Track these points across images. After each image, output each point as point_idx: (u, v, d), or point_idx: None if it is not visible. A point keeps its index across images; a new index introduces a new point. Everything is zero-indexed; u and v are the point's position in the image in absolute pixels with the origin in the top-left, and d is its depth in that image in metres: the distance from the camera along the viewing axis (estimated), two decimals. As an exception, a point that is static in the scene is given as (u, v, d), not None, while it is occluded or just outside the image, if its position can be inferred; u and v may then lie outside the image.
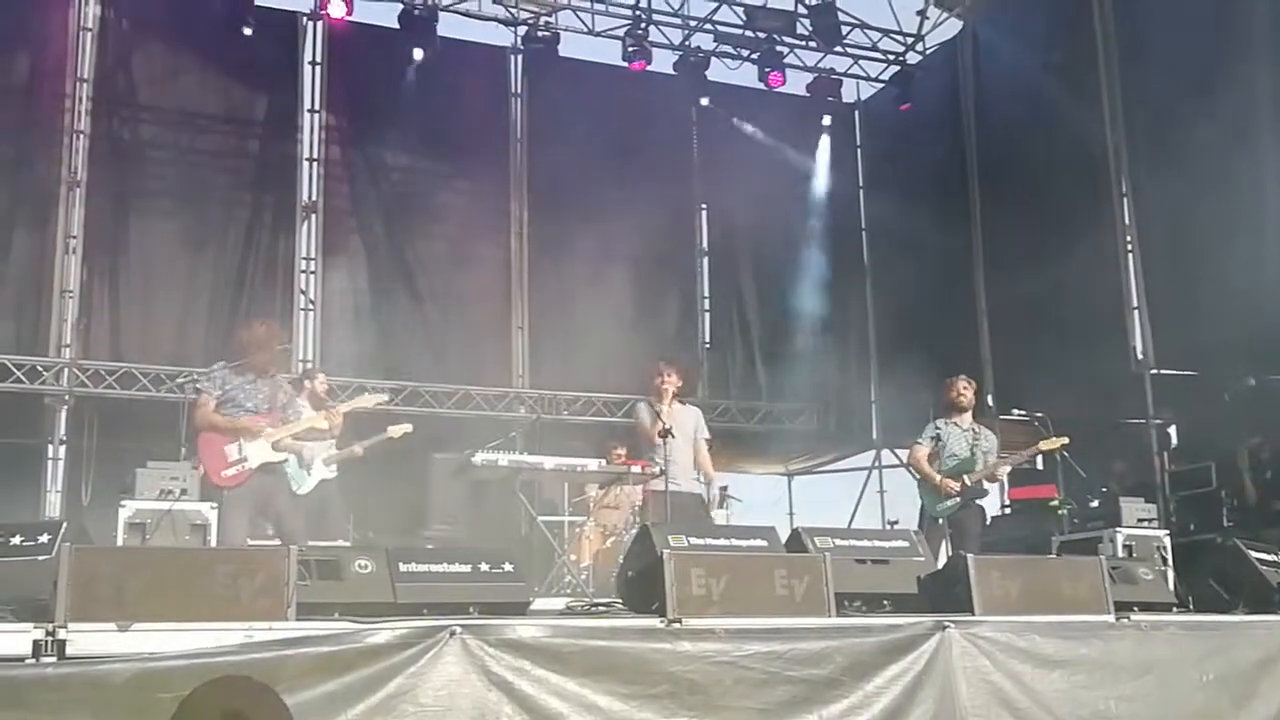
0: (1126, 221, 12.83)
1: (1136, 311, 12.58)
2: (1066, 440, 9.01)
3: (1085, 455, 10.49)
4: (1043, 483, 11.17)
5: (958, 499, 8.80)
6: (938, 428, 9.18)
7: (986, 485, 9.04)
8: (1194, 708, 6.00)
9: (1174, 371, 11.89)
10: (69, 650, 4.27)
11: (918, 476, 9.17)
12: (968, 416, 9.18)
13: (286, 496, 7.25)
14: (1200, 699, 6.04)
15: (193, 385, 7.46)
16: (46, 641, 4.26)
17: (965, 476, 8.85)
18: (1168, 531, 8.98)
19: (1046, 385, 12.01)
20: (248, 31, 13.07)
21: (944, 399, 9.30)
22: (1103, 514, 9.58)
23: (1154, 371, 11.96)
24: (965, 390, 9.23)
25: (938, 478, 8.91)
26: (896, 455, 15.72)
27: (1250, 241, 10.96)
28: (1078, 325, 12.59)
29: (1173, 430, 12.25)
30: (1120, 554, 8.32)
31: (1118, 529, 8.64)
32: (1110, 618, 6.27)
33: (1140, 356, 12.39)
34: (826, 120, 16.36)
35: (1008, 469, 9.34)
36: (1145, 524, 8.84)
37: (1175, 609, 7.02)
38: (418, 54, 13.82)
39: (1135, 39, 12.76)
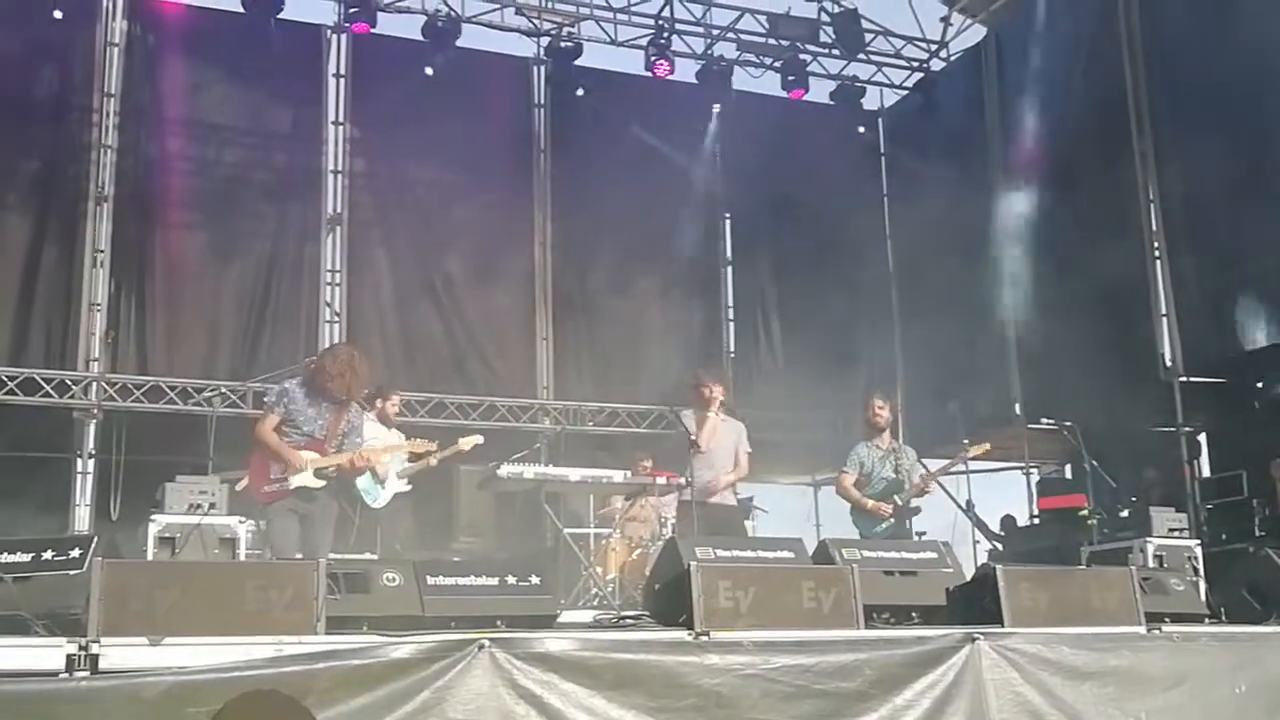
0: (1155, 228, 12.76)
1: (1165, 319, 12.49)
2: (988, 446, 9.03)
3: (1115, 464, 10.45)
4: (1072, 493, 11.12)
5: (891, 520, 8.87)
6: (858, 453, 9.24)
7: (916, 502, 9.07)
8: (1226, 719, 5.94)
9: (1203, 379, 11.80)
10: (102, 664, 4.28)
11: (849, 504, 9.21)
12: (886, 436, 9.30)
13: (322, 529, 7.32)
14: (1233, 710, 5.98)
15: (262, 397, 7.58)
16: (80, 656, 4.27)
17: (896, 497, 8.95)
18: (1199, 541, 8.91)
19: (1074, 394, 11.95)
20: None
21: (863, 419, 9.33)
22: (1133, 524, 9.54)
23: (1183, 379, 11.87)
24: (880, 410, 9.34)
25: (869, 503, 9.00)
26: (924, 465, 15.58)
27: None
28: (1106, 333, 12.50)
29: (1203, 439, 12.16)
30: (1151, 564, 8.25)
31: (1148, 539, 8.58)
32: (1141, 629, 6.21)
33: (1169, 364, 12.30)
34: (853, 128, 16.32)
35: (934, 481, 9.36)
36: (1176, 534, 8.78)
37: (1207, 620, 6.94)
38: (440, 66, 13.86)
39: (1162, 43, 12.69)
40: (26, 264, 12.60)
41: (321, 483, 7.22)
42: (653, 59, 14.49)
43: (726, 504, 9.00)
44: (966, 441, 9.40)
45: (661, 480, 9.54)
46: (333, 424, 7.24)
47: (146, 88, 13.48)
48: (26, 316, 12.52)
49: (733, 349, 15.88)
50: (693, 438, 8.86)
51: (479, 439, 9.76)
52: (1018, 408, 14.05)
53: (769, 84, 15.61)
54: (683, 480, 9.16)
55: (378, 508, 9.29)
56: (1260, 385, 11.15)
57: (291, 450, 7.09)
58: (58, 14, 12.87)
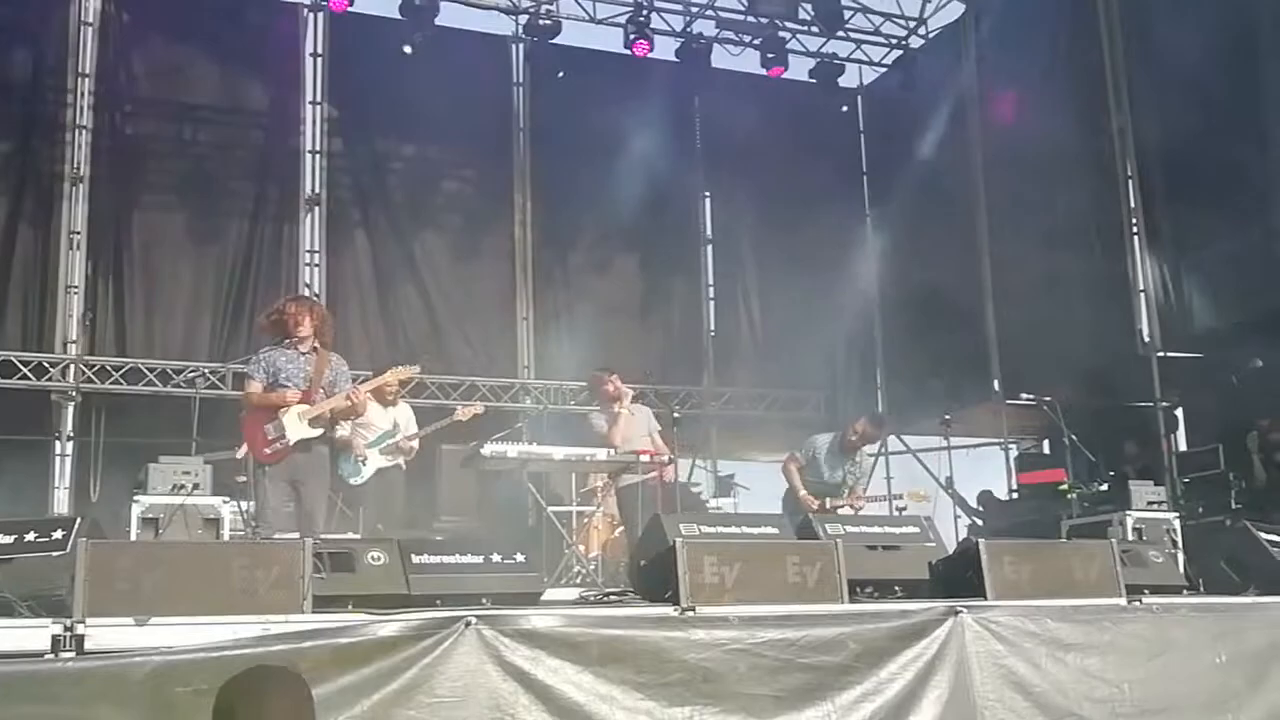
0: (1132, 204, 12.81)
1: (1143, 295, 12.56)
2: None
3: (1093, 439, 10.52)
4: (1051, 467, 11.19)
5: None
6: (816, 444, 9.69)
7: (843, 511, 9.37)
8: (1207, 689, 6.02)
9: (1181, 354, 11.88)
10: (88, 645, 4.29)
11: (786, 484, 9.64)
12: (856, 452, 9.73)
13: (319, 480, 7.39)
14: (1213, 680, 6.06)
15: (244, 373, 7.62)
16: (65, 636, 4.28)
17: (828, 499, 9.40)
18: (1177, 514, 8.98)
19: (1053, 369, 12.03)
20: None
21: (853, 433, 9.72)
22: (1112, 497, 9.60)
23: (1160, 354, 11.96)
24: (857, 437, 9.73)
25: (801, 491, 9.44)
26: (903, 441, 15.71)
27: (1257, 224, 10.95)
28: (1084, 309, 12.57)
29: (1180, 413, 12.26)
30: (1130, 537, 8.31)
31: (1127, 512, 8.64)
32: (1122, 601, 6.28)
33: (1147, 339, 12.37)
34: (832, 106, 16.31)
35: (862, 505, 9.81)
36: (1155, 507, 8.84)
37: (1186, 592, 7.03)
38: (419, 44, 13.76)
39: (1141, 18, 12.72)
40: (2, 246, 12.51)
41: (318, 430, 7.30)
42: (632, 38, 14.43)
43: (667, 481, 9.40)
44: None
45: (644, 457, 9.55)
46: (315, 373, 7.28)
47: (121, 67, 13.35)
48: (3, 299, 12.42)
49: (713, 327, 15.89)
50: (605, 435, 9.19)
51: (479, 408, 9.75)
52: (996, 384, 14.12)
53: (748, 61, 15.56)
54: (665, 458, 9.20)
55: (360, 484, 9.27)
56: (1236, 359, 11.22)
57: (277, 393, 7.18)
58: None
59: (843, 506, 9.41)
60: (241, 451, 7.81)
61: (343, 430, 8.41)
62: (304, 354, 7.34)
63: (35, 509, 11.62)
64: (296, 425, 7.17)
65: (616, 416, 9.18)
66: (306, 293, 13.69)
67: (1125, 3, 12.99)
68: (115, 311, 12.88)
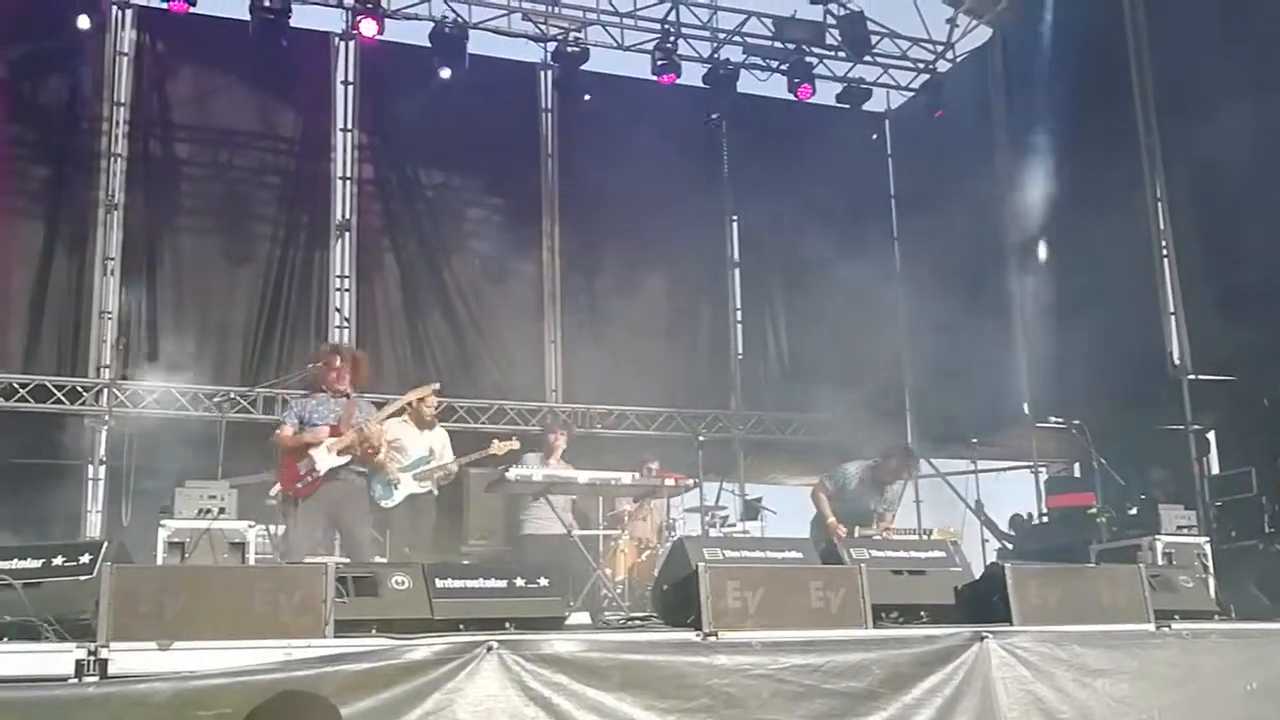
0: (1162, 226, 12.73)
1: (1173, 317, 12.46)
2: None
3: (1123, 463, 10.43)
4: (1081, 491, 11.09)
5: None
6: (847, 472, 9.62)
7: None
8: (1237, 717, 5.94)
9: (1212, 376, 11.77)
10: (111, 669, 4.31)
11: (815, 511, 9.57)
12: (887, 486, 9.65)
13: (355, 507, 7.50)
14: (1244, 708, 5.98)
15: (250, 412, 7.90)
16: (89, 661, 4.31)
17: (858, 527, 9.31)
18: (1208, 538, 8.89)
19: (1083, 392, 11.94)
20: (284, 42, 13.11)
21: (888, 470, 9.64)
22: (1142, 521, 9.50)
23: (1191, 377, 11.84)
24: (895, 474, 9.68)
25: (830, 519, 9.36)
26: (932, 464, 15.59)
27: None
28: (1114, 331, 12.46)
29: (1211, 436, 12.13)
30: (1160, 562, 8.23)
31: (1157, 536, 8.55)
32: (1151, 626, 6.21)
33: (1177, 362, 12.27)
34: (860, 130, 16.32)
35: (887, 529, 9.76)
36: (1185, 531, 8.75)
37: (1217, 617, 6.94)
38: (448, 71, 13.87)
39: (1168, 41, 12.66)
40: (38, 272, 12.66)
41: (346, 458, 7.46)
42: (659, 64, 14.48)
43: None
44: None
45: (670, 482, 9.56)
46: (345, 416, 7.42)
47: (155, 96, 13.54)
48: (38, 324, 12.57)
49: (741, 351, 15.87)
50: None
51: (515, 444, 9.76)
52: (1026, 407, 14.03)
53: (775, 87, 15.61)
54: (690, 482, 9.20)
55: (390, 507, 9.32)
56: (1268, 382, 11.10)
57: (310, 432, 7.39)
58: (83, 22, 12.87)
59: (872, 535, 9.35)
60: (275, 490, 7.94)
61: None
62: (333, 399, 7.54)
63: (67, 533, 11.73)
64: (325, 456, 7.32)
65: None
66: (337, 318, 13.83)
67: (1154, 24, 12.93)
68: (148, 336, 13.01)
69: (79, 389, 12.53)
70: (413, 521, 9.52)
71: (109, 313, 12.94)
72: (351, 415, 7.51)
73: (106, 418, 12.64)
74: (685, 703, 4.91)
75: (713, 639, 5.26)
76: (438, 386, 9.28)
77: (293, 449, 7.42)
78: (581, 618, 7.22)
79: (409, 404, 9.66)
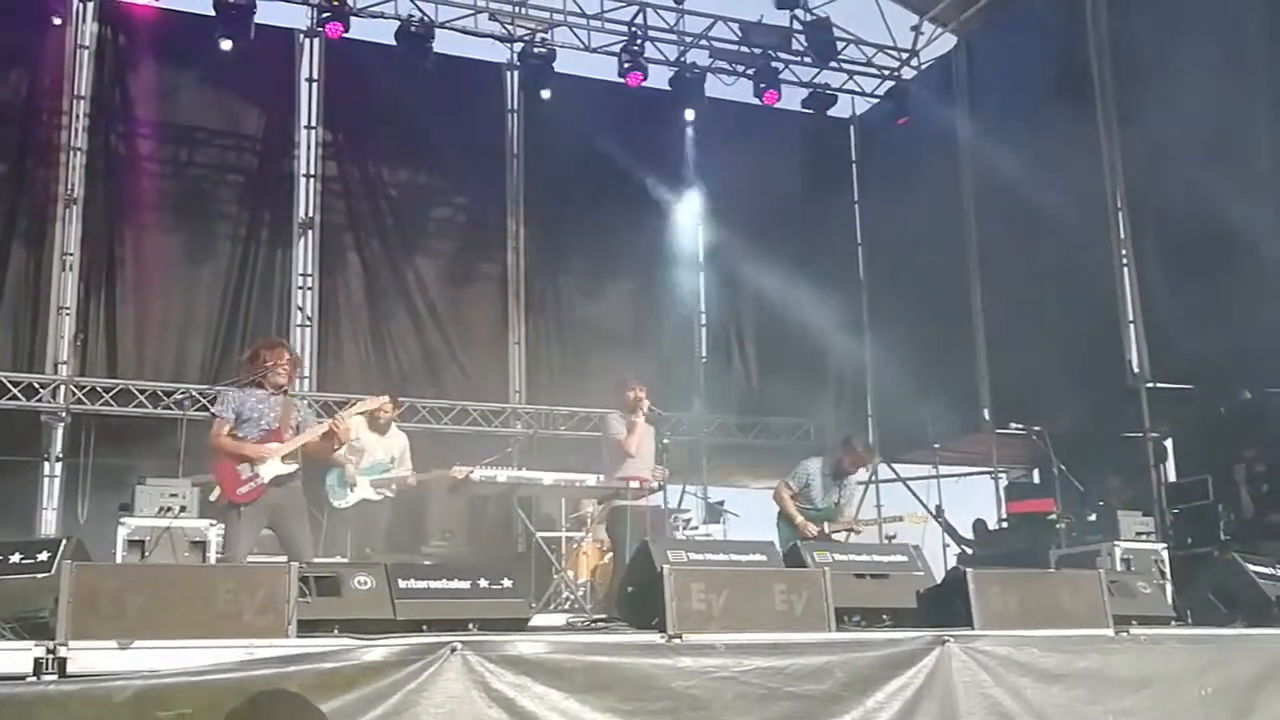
0: (1123, 235, 12.86)
1: (1132, 325, 12.59)
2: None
3: (1082, 469, 10.54)
4: (1041, 497, 11.20)
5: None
6: (808, 470, 9.52)
7: (837, 536, 9.38)
8: (1193, 721, 6.01)
9: (1170, 385, 11.91)
10: (70, 668, 4.26)
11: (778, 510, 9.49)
12: (847, 477, 9.60)
13: (295, 509, 7.33)
14: (1200, 712, 6.04)
15: (210, 409, 7.53)
16: (47, 659, 4.25)
17: (826, 524, 9.30)
18: (1166, 545, 8.99)
19: (1043, 399, 12.04)
20: (226, 46, 12.93)
21: (837, 455, 9.58)
22: (1101, 528, 9.61)
23: (1150, 385, 11.98)
24: (856, 461, 9.62)
25: (799, 518, 9.28)
26: (893, 469, 15.72)
27: (1246, 256, 10.99)
28: (1074, 339, 12.59)
29: (1169, 444, 12.28)
30: (1118, 568, 8.32)
31: (1116, 543, 8.64)
32: (1109, 631, 6.27)
33: (1136, 370, 12.40)
34: (825, 136, 16.42)
35: (859, 529, 9.79)
36: (1143, 537, 8.84)
37: (1174, 622, 7.02)
38: (414, 70, 13.81)
39: (1132, 51, 12.80)
40: (-6, 266, 12.51)
41: (293, 465, 7.27)
42: (626, 69, 14.48)
43: (655, 505, 9.15)
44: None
45: (634, 484, 9.54)
46: (283, 415, 7.25)
47: (117, 90, 13.41)
48: (-7, 318, 12.42)
49: (704, 353, 15.91)
50: (619, 439, 9.05)
51: (473, 472, 9.57)
52: (986, 413, 14.14)
53: (741, 91, 15.67)
54: (655, 484, 9.20)
55: (342, 508, 9.26)
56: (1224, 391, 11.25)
57: (254, 445, 7.11)
58: (56, 20, 12.77)
59: (839, 531, 9.39)
60: (215, 495, 7.69)
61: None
62: (272, 395, 7.33)
63: (23, 530, 11.60)
64: (271, 465, 7.14)
65: (634, 424, 9.11)
66: (299, 316, 13.75)
67: (1117, 34, 13.07)
68: (106, 333, 12.88)
69: (35, 385, 12.38)
70: (364, 525, 9.46)
71: (67, 308, 12.81)
72: (289, 416, 7.33)
73: (64, 414, 12.49)
74: (649, 704, 4.91)
75: (677, 641, 5.26)
76: (386, 400, 9.09)
77: (233, 455, 7.15)
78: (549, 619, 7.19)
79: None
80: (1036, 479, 13.39)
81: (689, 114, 15.44)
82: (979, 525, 12.69)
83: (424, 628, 5.26)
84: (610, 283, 15.22)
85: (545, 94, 14.66)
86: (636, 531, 8.47)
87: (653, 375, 14.72)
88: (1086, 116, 13.11)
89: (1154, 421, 11.66)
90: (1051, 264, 13.02)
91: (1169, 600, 7.42)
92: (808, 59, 15.66)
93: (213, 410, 7.36)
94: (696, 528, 11.85)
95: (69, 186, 13.01)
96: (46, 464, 12.64)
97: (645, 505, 8.97)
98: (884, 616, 6.41)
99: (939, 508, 11.54)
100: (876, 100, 16.48)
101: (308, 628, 4.92)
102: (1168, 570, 8.57)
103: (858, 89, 16.46)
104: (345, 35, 13.66)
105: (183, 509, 7.19)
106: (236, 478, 7.08)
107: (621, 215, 14.52)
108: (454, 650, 4.59)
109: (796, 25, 15.47)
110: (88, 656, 4.32)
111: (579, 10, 14.87)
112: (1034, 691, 5.68)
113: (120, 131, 13.39)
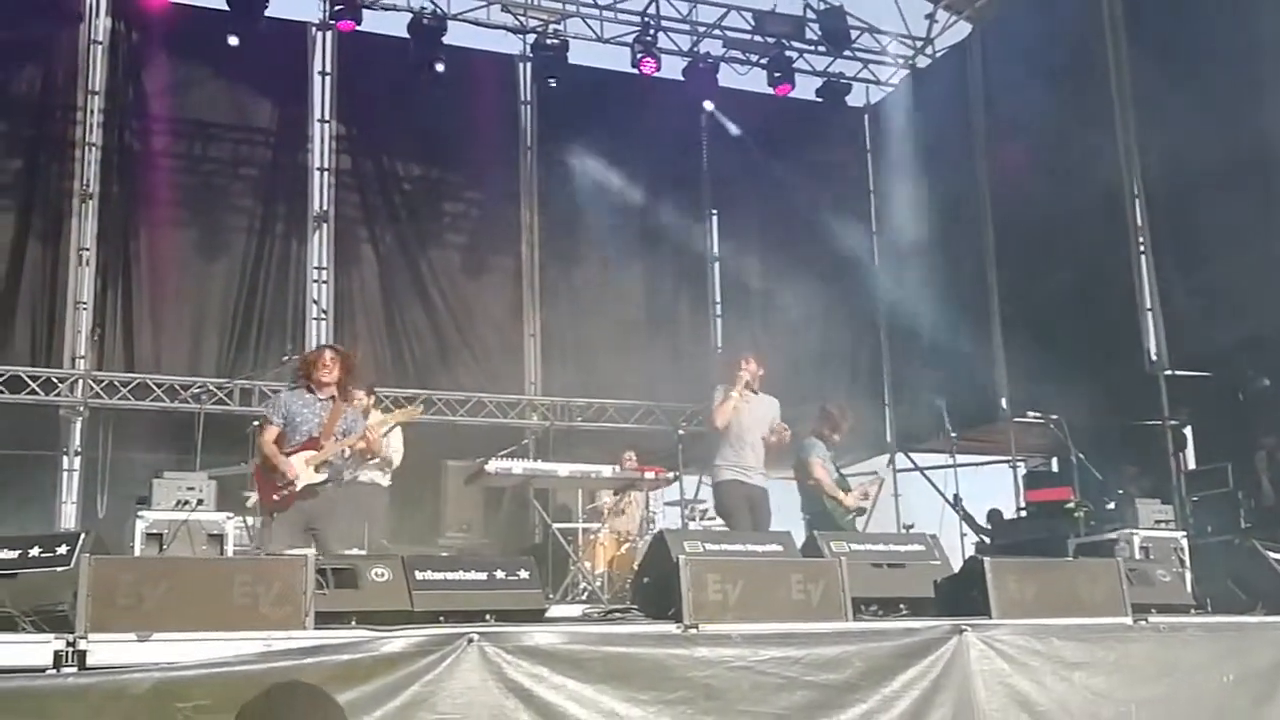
0: (1140, 223, 12.79)
1: (1150, 313, 12.53)
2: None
3: (1101, 458, 10.48)
4: (1059, 485, 11.14)
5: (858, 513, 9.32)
6: (819, 446, 9.36)
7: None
8: (1214, 709, 5.97)
9: (1188, 373, 11.84)
10: (89, 661, 4.28)
11: (813, 485, 9.27)
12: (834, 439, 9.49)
13: (330, 513, 7.32)
14: (1220, 700, 6.01)
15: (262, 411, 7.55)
16: (67, 652, 4.26)
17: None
18: (1185, 533, 8.94)
19: (1060, 388, 11.98)
20: (234, 41, 12.97)
21: (832, 425, 9.44)
22: (1119, 516, 9.55)
23: (1168, 373, 11.91)
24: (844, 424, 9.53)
25: (841, 494, 9.22)
26: (911, 459, 15.66)
27: (1263, 243, 10.93)
28: (1091, 327, 12.54)
29: (1188, 431, 12.21)
30: (1137, 556, 8.28)
31: (1134, 531, 8.61)
32: (1128, 620, 6.25)
33: (1154, 358, 12.34)
34: (839, 125, 16.36)
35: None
36: (1162, 526, 8.81)
37: (1193, 611, 6.99)
38: (427, 63, 13.81)
39: (1146, 37, 12.72)
40: (11, 262, 12.55)
41: (323, 476, 7.23)
42: (639, 56, 14.46)
43: (757, 484, 8.66)
44: None
45: (650, 475, 9.54)
46: (329, 422, 7.23)
47: (131, 85, 13.43)
48: (11, 314, 12.46)
49: (720, 344, 15.88)
50: (712, 408, 8.71)
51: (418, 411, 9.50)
52: (1004, 402, 14.09)
53: (755, 81, 15.62)
54: (670, 475, 9.17)
55: None
56: (1244, 378, 11.18)
57: (285, 461, 7.11)
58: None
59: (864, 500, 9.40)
60: (252, 500, 7.74)
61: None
62: (321, 400, 7.32)
63: (42, 524, 11.64)
64: (303, 472, 7.14)
65: (727, 397, 8.66)
66: (314, 310, 13.77)
67: (1132, 22, 12.98)
68: (123, 327, 12.92)
69: (54, 379, 12.43)
70: (354, 511, 9.42)
71: (84, 303, 12.85)
72: (336, 421, 7.34)
73: (81, 409, 12.54)
74: (666, 694, 4.90)
75: (693, 631, 5.26)
76: (418, 409, 9.06)
77: (272, 464, 7.14)
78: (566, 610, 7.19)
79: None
80: (1055, 468, 13.32)
81: (703, 104, 15.41)
82: (994, 515, 12.63)
83: (441, 619, 5.26)
84: (625, 274, 15.20)
85: (552, 82, 14.62)
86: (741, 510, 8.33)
87: (667, 366, 14.85)
88: (1102, 103, 13.04)
89: (1173, 409, 11.59)
90: (1068, 251, 12.95)
91: (1188, 588, 7.40)
92: (822, 48, 15.60)
93: (263, 412, 7.35)
94: (713, 518, 11.83)
95: (84, 182, 13.04)
96: (65, 458, 12.69)
97: (755, 486, 8.73)
98: (901, 606, 6.40)
99: (956, 497, 11.48)
100: (891, 89, 16.41)
101: (325, 619, 4.93)
102: (1187, 558, 8.54)
103: (872, 78, 16.41)
104: (358, 28, 13.68)
105: (200, 502, 7.23)
106: (272, 485, 7.10)
107: (635, 206, 14.50)
108: (471, 641, 4.59)
109: (810, 14, 15.43)
110: (107, 649, 4.33)
111: (591, 1, 14.85)
112: (1053, 680, 5.65)
113: (135, 127, 13.41)
